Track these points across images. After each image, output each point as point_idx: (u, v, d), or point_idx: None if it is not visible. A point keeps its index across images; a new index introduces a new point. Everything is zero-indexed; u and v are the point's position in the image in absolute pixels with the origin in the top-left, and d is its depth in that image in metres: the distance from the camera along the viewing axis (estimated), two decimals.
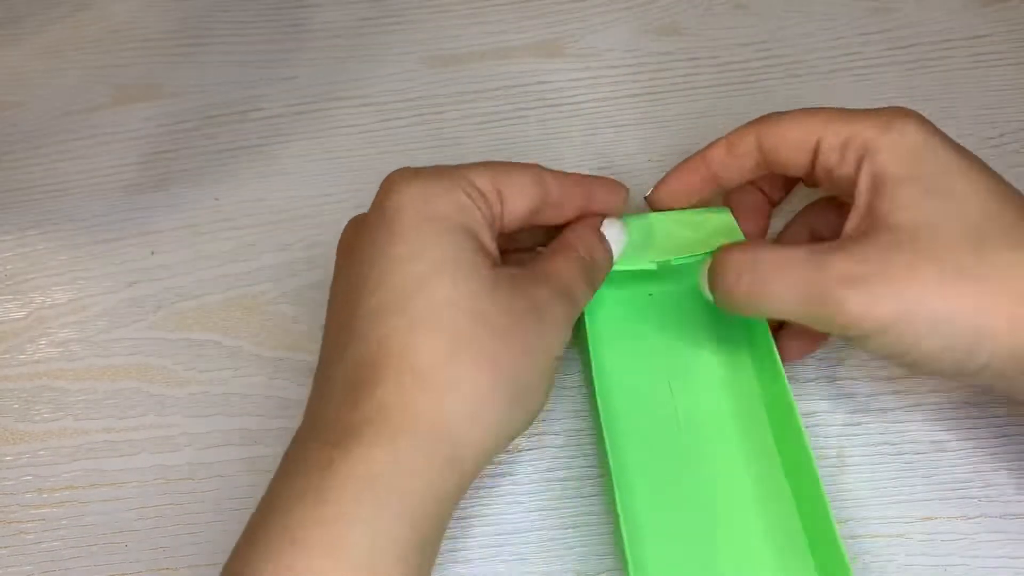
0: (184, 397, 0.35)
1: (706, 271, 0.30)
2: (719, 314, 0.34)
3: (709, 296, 0.30)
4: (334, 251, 0.38)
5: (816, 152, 0.30)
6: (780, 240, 0.36)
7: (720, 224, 0.33)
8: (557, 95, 0.42)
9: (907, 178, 0.28)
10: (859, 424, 0.33)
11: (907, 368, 0.33)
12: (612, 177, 0.33)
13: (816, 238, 0.34)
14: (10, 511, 0.33)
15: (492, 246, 0.29)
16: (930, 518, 0.32)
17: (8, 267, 0.39)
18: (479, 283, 0.27)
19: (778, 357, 0.31)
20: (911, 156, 0.28)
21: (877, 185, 0.28)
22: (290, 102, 0.43)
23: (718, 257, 0.30)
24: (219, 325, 0.37)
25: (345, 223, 0.39)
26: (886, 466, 0.33)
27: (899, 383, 0.34)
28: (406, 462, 0.25)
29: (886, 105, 0.30)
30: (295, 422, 0.34)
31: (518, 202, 0.30)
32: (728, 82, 0.42)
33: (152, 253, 0.39)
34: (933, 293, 0.27)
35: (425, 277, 0.26)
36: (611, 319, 0.34)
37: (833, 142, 0.30)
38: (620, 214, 0.33)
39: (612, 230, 0.32)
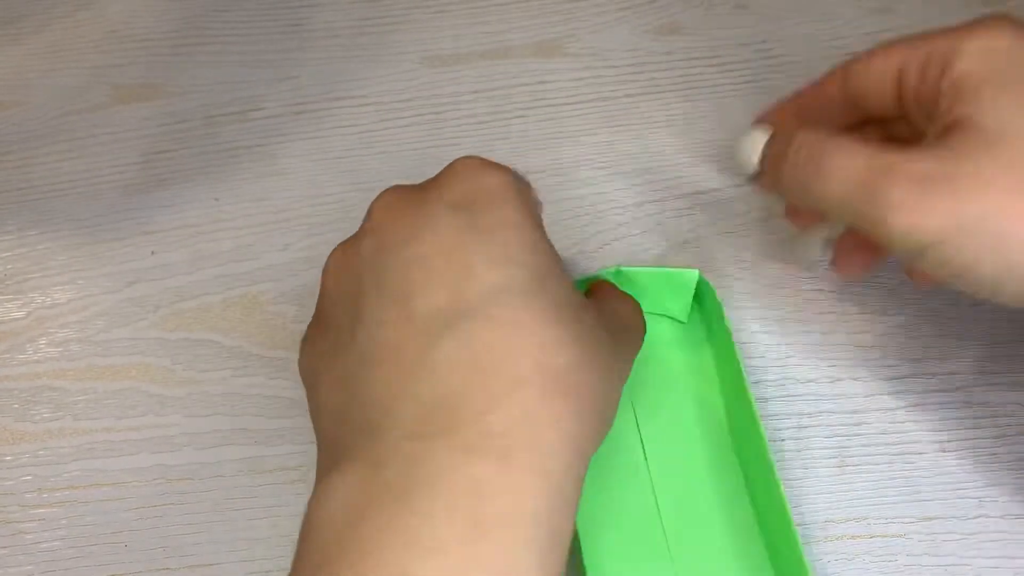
0: (184, 397, 0.35)
1: (753, 142, 0.29)
2: (688, 344, 0.34)
3: (748, 167, 0.29)
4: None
5: (900, 80, 0.28)
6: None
7: (686, 280, 0.34)
8: (557, 95, 0.42)
9: (991, 80, 0.25)
10: (859, 424, 0.33)
11: (966, 291, 0.26)
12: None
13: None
14: (10, 511, 0.33)
15: None
16: (930, 518, 0.32)
17: (8, 267, 0.39)
18: (575, 294, 0.26)
19: (748, 384, 0.31)
20: (997, 57, 0.25)
21: (959, 89, 0.25)
22: (290, 102, 0.43)
23: (781, 128, 0.28)
24: (219, 325, 0.37)
25: (344, 223, 0.39)
26: (886, 466, 0.33)
27: (899, 383, 0.34)
28: (559, 501, 0.21)
29: None
30: (295, 422, 0.35)
31: None
32: (728, 82, 0.42)
33: (152, 253, 0.39)
34: (1001, 207, 0.23)
35: (546, 274, 0.24)
36: None
37: (915, 62, 0.27)
38: None
39: None
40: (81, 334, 0.37)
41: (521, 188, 0.26)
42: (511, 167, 0.27)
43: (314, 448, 0.34)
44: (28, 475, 0.34)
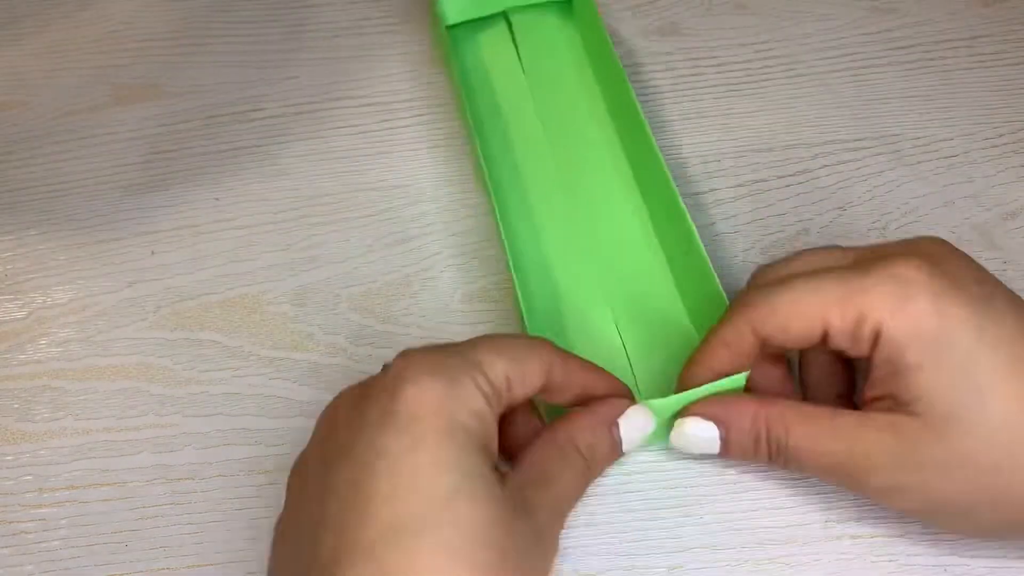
0: (184, 397, 0.35)
1: (701, 440, 0.30)
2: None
3: (709, 453, 0.30)
4: (334, 251, 0.38)
5: (825, 333, 0.28)
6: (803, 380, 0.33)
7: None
8: None
9: (926, 365, 0.27)
10: None
11: None
12: (616, 377, 0.30)
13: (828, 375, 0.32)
14: (10, 511, 0.33)
15: (495, 450, 0.27)
16: None
17: (8, 267, 0.39)
18: (496, 508, 0.25)
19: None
20: (927, 343, 0.27)
21: (895, 366, 0.27)
22: (290, 102, 0.43)
23: (730, 414, 0.29)
24: (219, 325, 0.37)
25: (344, 223, 0.39)
26: None
27: None
28: None
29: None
30: (295, 422, 0.35)
31: (524, 389, 0.28)
32: (728, 82, 0.42)
33: (152, 253, 0.39)
34: (964, 492, 0.27)
35: (449, 500, 0.24)
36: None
37: (842, 327, 0.28)
38: (621, 409, 0.30)
39: (637, 419, 0.29)
40: (81, 334, 0.37)
41: (445, 410, 0.25)
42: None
43: None
44: (28, 475, 0.34)
